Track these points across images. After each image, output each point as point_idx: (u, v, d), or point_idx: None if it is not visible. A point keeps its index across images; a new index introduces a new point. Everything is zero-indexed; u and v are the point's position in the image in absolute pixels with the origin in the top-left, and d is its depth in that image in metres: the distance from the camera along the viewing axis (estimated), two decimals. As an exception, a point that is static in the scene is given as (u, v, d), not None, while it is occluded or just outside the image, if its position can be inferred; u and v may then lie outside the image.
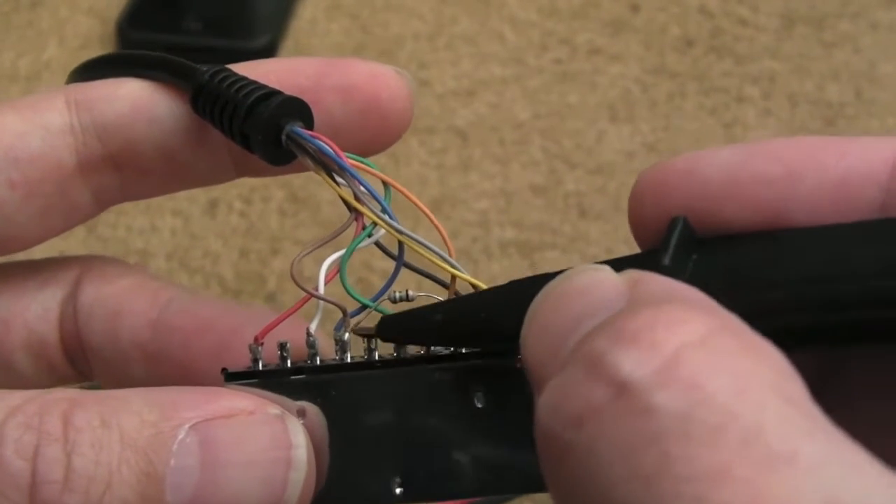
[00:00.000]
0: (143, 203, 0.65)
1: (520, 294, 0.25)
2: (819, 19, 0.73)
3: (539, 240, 0.63)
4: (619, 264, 0.24)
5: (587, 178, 0.65)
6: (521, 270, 0.61)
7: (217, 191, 0.66)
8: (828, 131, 0.67)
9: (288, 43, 0.74)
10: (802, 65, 0.71)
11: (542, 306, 0.24)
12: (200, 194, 0.66)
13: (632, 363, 0.21)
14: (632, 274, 0.23)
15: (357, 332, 0.30)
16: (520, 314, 0.24)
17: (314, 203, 0.65)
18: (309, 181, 0.66)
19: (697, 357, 0.20)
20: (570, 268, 0.25)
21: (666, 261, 0.25)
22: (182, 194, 0.66)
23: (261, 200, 0.65)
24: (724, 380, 0.20)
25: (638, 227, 0.28)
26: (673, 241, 0.25)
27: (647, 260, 0.25)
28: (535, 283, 0.25)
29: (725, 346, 0.21)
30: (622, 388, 0.20)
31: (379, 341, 0.29)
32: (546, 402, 0.22)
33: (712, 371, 0.20)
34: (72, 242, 0.62)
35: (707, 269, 0.25)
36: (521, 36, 0.74)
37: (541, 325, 0.24)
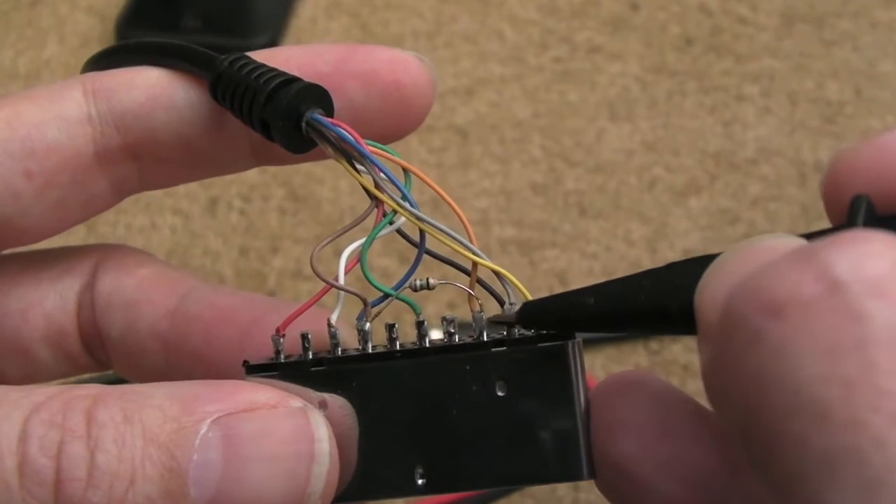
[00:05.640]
0: (142, 201, 0.65)
1: (683, 275, 0.25)
2: (819, 18, 0.73)
3: (539, 238, 0.63)
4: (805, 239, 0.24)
5: (587, 176, 0.65)
6: (521, 269, 0.61)
7: (217, 189, 0.65)
8: (827, 130, 0.67)
9: (288, 42, 0.73)
10: (802, 63, 0.71)
11: (725, 259, 0.23)
12: (200, 193, 0.65)
13: (848, 264, 0.20)
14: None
15: (494, 319, 0.29)
16: (685, 295, 0.24)
17: (314, 201, 0.65)
18: (309, 180, 0.65)
19: None
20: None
21: None
22: (182, 193, 0.65)
23: (261, 199, 0.65)
24: None
25: (835, 203, 0.27)
26: (859, 220, 0.25)
27: None
28: (699, 264, 0.24)
29: None
30: (834, 287, 0.20)
31: (399, 329, 0.29)
32: (742, 287, 0.22)
33: None
34: (70, 240, 0.61)
35: None
36: (521, 34, 0.74)
37: (722, 273, 0.23)
